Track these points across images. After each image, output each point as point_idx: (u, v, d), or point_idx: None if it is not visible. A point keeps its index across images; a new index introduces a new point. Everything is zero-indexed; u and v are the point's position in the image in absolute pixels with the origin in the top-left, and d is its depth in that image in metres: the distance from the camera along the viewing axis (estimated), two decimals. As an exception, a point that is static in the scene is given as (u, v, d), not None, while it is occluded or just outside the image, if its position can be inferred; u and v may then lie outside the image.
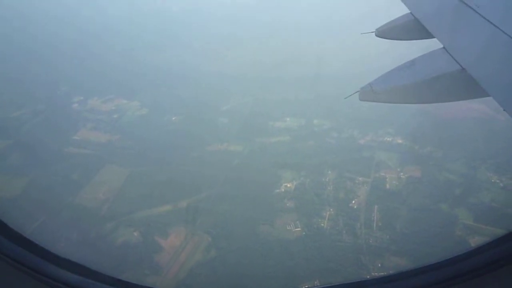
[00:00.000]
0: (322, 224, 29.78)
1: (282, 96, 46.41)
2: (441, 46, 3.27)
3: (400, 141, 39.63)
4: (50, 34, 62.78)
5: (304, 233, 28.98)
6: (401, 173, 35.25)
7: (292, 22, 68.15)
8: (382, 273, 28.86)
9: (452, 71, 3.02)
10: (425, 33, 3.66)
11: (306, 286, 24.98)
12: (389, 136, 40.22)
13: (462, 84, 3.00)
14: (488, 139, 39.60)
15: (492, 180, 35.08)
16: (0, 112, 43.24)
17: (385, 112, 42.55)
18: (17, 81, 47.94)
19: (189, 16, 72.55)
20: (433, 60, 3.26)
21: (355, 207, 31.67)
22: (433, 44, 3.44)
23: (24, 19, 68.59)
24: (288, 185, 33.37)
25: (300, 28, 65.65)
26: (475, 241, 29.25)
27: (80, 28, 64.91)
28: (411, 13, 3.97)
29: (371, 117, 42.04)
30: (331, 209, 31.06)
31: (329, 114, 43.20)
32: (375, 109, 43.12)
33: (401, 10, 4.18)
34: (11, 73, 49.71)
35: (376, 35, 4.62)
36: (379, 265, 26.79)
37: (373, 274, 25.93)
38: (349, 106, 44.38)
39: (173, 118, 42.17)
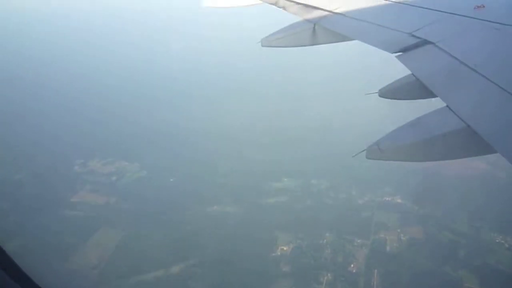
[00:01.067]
0: (319, 290, 28.62)
1: (280, 156, 46.70)
2: (444, 104, 3.40)
3: (399, 201, 39.11)
4: (53, 96, 65.37)
5: (300, 300, 27.79)
6: (402, 234, 34.42)
7: (293, 82, 70.34)
8: None
9: (457, 129, 3.11)
10: (427, 93, 3.83)
11: None
12: (388, 195, 39.81)
13: (468, 141, 3.09)
14: (489, 198, 38.94)
15: (497, 241, 34.10)
16: (1, 174, 43.83)
17: (383, 172, 42.44)
18: (20, 144, 49.06)
19: (189, 73, 75.65)
20: (438, 118, 3.39)
21: (354, 271, 30.57)
22: (436, 103, 3.56)
23: (26, 80, 71.74)
24: (285, 248, 32.55)
25: (301, 88, 67.56)
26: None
27: (83, 89, 67.55)
28: (412, 74, 4.15)
29: (370, 176, 41.85)
30: (329, 274, 29.98)
31: (327, 173, 43.12)
32: (373, 169, 43.05)
33: (402, 70, 4.41)
34: (14, 136, 51.04)
35: (380, 96, 4.82)
36: (380, 335, 25.30)
37: None
38: (347, 165, 44.43)
39: (171, 180, 42.36)
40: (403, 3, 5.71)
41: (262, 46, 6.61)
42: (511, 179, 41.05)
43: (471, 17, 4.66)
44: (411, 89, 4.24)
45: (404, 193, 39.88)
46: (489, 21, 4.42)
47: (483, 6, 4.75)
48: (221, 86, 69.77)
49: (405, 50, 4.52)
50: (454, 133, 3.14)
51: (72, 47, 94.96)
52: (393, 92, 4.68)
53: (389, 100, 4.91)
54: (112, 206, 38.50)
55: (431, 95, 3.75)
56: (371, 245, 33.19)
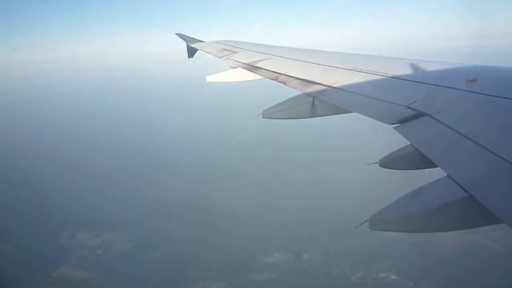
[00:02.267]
0: None
1: (272, 230, 45.72)
2: (445, 174, 3.35)
3: (394, 277, 37.53)
4: (47, 167, 65.89)
5: None
6: (398, 316, 32.50)
7: (292, 155, 70.77)
8: None
9: (460, 198, 3.06)
10: (427, 163, 3.80)
11: None
12: (383, 271, 38.27)
13: (472, 210, 3.01)
14: (486, 272, 37.49)
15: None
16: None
17: (378, 246, 41.36)
18: (8, 215, 48.47)
19: (185, 147, 76.75)
20: (440, 188, 3.33)
21: None
22: (437, 172, 3.48)
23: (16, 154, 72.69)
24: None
25: (300, 160, 67.86)
26: None
27: (78, 160, 68.24)
28: (411, 144, 4.16)
29: (364, 251, 40.77)
30: None
31: (320, 248, 41.96)
32: (367, 242, 42.04)
33: (400, 141, 4.37)
34: (2, 207, 50.63)
35: (380, 166, 4.70)
36: None
37: None
38: (342, 239, 43.44)
39: (158, 254, 41.04)
40: (398, 78, 5.92)
41: (263, 118, 6.81)
42: (509, 252, 39.85)
43: (465, 90, 4.79)
44: (411, 159, 4.22)
45: (400, 268, 38.40)
46: (482, 93, 4.55)
47: (475, 80, 4.92)
48: (217, 160, 70.33)
49: (402, 122, 4.61)
50: (457, 203, 3.09)
51: (69, 120, 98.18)
52: (393, 162, 4.60)
53: (390, 170, 4.87)
54: (93, 282, 36.88)
55: (431, 165, 3.74)
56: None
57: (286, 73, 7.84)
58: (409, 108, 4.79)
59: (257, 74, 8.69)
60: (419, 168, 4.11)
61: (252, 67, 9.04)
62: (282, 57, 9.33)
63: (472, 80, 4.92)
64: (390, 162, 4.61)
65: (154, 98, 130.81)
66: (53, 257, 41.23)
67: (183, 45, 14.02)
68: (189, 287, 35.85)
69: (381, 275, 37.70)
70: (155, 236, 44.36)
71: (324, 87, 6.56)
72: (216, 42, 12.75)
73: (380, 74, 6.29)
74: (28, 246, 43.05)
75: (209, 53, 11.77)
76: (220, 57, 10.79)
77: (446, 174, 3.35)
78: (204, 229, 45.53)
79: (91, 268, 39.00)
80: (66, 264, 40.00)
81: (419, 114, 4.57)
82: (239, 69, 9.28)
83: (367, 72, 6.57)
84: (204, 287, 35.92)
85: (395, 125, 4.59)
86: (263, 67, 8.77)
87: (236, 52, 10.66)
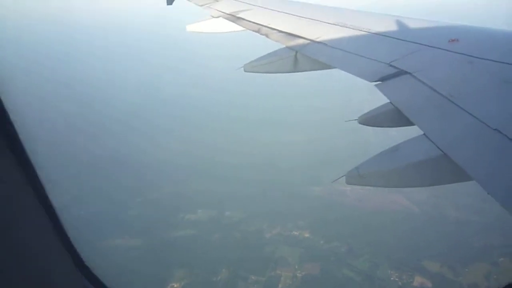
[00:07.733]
0: (198, 333, 28.29)
1: (201, 187, 46.70)
2: (422, 132, 3.52)
3: (307, 235, 39.08)
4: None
5: None
6: (298, 271, 34.41)
7: (272, 109, 70.11)
8: None
9: (434, 156, 3.22)
10: (405, 121, 3.96)
11: None
12: (298, 229, 39.82)
13: (445, 168, 3.20)
14: (398, 233, 39.38)
15: (392, 278, 34.38)
16: None
17: (299, 205, 42.91)
18: None
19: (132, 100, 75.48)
20: (416, 145, 3.51)
21: (238, 310, 30.40)
22: (414, 131, 3.66)
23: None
24: (175, 286, 32.22)
25: (280, 115, 67.31)
26: None
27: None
28: (390, 102, 4.30)
29: (284, 209, 42.21)
30: (213, 314, 29.75)
31: (244, 205, 43.19)
32: (290, 202, 43.50)
33: (381, 97, 4.46)
34: None
35: (359, 123, 4.91)
36: None
37: None
38: (265, 197, 44.74)
39: (81, 213, 41.52)
40: (382, 35, 5.92)
41: (245, 71, 6.72)
42: (424, 215, 41.75)
43: (446, 50, 4.87)
44: (389, 117, 4.38)
45: (315, 227, 39.93)
46: (463, 54, 4.64)
47: (457, 40, 5.00)
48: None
49: (383, 79, 4.69)
50: (431, 160, 3.28)
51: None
52: (372, 119, 4.77)
53: (369, 127, 4.97)
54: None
55: (409, 123, 3.90)
56: (265, 282, 33.07)
57: (269, 25, 7.60)
58: (391, 66, 4.87)
59: (239, 25, 8.34)
60: (398, 126, 4.25)
61: (234, 18, 8.63)
62: (265, 8, 8.91)
63: (454, 40, 4.99)
64: (369, 119, 4.75)
65: (131, 49, 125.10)
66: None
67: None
68: (106, 244, 36.83)
69: (295, 233, 39.23)
70: (78, 195, 44.55)
71: (307, 41, 6.46)
72: None
73: (364, 30, 6.23)
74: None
75: (189, 0, 11.11)
76: (201, 5, 10.17)
77: (422, 133, 3.50)
78: (132, 185, 46.13)
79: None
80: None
81: (400, 73, 4.65)
82: (221, 19, 8.86)
83: (351, 27, 6.48)
84: (122, 244, 37.01)
85: (376, 83, 4.65)
86: (245, 18, 8.41)
87: (218, 1, 10.08)
